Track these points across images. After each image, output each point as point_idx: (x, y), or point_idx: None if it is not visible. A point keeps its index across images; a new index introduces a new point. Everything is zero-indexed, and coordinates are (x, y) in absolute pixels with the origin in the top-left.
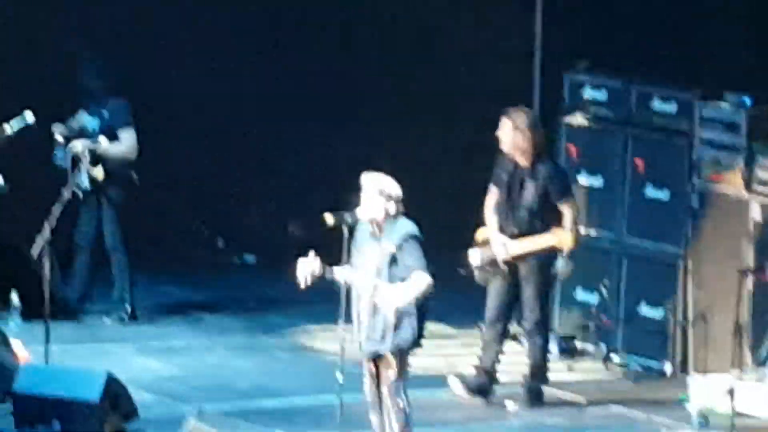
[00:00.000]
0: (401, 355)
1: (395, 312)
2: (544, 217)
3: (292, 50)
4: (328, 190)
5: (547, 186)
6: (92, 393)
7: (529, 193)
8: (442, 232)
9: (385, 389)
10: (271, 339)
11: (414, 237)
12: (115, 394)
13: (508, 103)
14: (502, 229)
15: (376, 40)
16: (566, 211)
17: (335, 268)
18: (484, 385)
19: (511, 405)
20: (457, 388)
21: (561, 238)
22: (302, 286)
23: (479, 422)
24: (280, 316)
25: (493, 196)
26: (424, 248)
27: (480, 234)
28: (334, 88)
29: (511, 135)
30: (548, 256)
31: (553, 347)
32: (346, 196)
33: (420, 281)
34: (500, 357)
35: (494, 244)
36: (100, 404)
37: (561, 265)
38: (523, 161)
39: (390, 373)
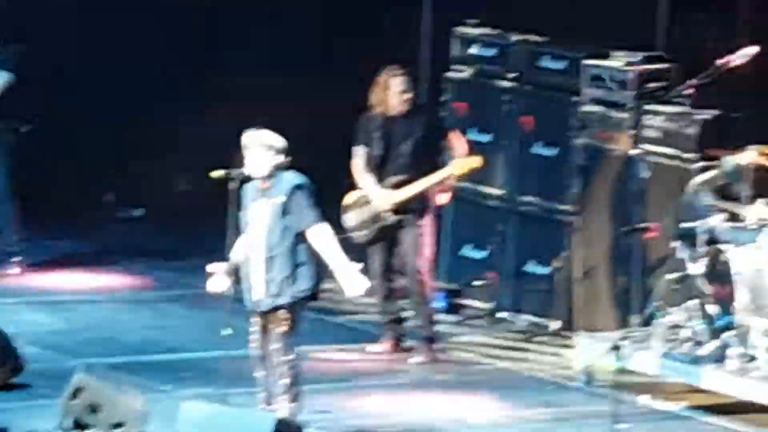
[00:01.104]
0: (295, 308)
1: (292, 264)
2: (426, 162)
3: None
4: (213, 148)
5: (427, 131)
6: None
7: (411, 141)
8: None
9: (274, 344)
10: (158, 293)
11: (303, 186)
12: (2, 347)
13: (397, 59)
14: (382, 180)
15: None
16: (455, 140)
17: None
18: (395, 338)
19: (415, 359)
20: (373, 350)
21: (461, 163)
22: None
23: (369, 377)
24: (167, 270)
25: (361, 157)
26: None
27: (350, 197)
28: (214, 43)
29: (410, 91)
30: (426, 207)
31: (441, 303)
32: (230, 153)
33: (327, 236)
34: (403, 306)
35: (376, 198)
36: None
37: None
38: (400, 114)
39: (280, 328)
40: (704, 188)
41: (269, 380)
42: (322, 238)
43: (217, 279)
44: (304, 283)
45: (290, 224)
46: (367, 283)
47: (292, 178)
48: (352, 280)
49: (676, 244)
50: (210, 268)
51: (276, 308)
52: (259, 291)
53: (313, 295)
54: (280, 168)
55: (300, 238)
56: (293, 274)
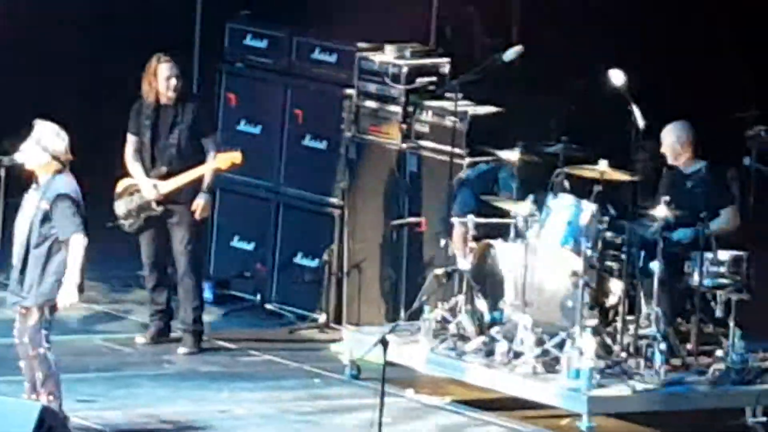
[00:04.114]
0: (42, 307)
1: (42, 270)
2: (194, 153)
3: None
4: None
5: (195, 121)
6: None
7: (179, 130)
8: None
9: (24, 337)
10: None
11: (65, 196)
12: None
13: (169, 50)
14: (147, 173)
15: None
16: (212, 143)
17: None
18: (162, 329)
19: (182, 350)
20: (140, 340)
21: (223, 158)
22: None
23: (133, 367)
24: None
25: (131, 145)
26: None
27: (120, 185)
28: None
29: (179, 77)
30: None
31: (208, 294)
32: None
33: (77, 248)
34: (171, 296)
35: (143, 188)
36: None
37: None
38: (170, 103)
39: (30, 321)
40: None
41: (32, 370)
42: (72, 248)
43: None
44: (48, 289)
45: (48, 233)
46: (73, 299)
47: (59, 186)
48: (65, 290)
49: (446, 238)
50: None
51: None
52: (11, 285)
53: (58, 301)
54: (52, 169)
55: (57, 246)
56: (41, 280)
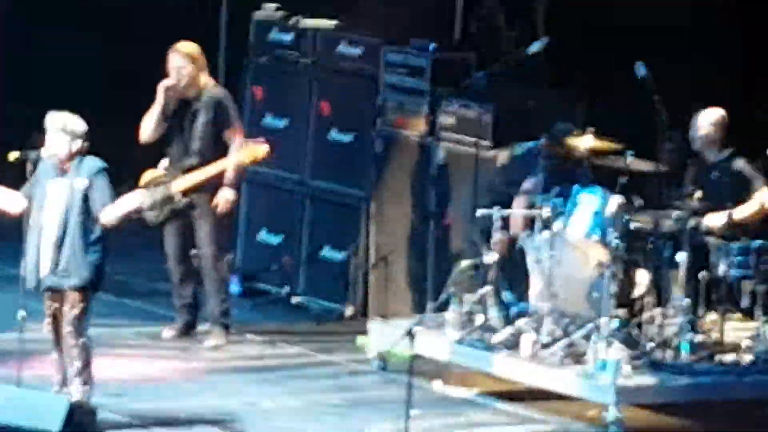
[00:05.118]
0: (86, 291)
1: (83, 247)
2: (218, 146)
3: None
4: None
5: (216, 113)
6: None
7: (201, 122)
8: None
9: (67, 327)
10: None
11: (104, 170)
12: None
13: (195, 43)
14: (173, 166)
15: None
16: (237, 134)
17: None
18: (189, 322)
19: (209, 343)
20: (167, 333)
21: (247, 152)
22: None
23: (163, 360)
24: None
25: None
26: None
27: (144, 177)
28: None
29: (185, 66)
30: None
31: (235, 287)
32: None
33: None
34: (197, 290)
35: (168, 180)
36: None
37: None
38: (193, 92)
39: (74, 311)
40: (499, 175)
41: (63, 362)
42: (107, 215)
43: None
44: (92, 268)
45: (89, 207)
46: (118, 213)
47: (95, 163)
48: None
49: (473, 230)
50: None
51: (65, 289)
52: (47, 268)
53: (99, 281)
54: (79, 152)
55: (94, 221)
56: (84, 257)
